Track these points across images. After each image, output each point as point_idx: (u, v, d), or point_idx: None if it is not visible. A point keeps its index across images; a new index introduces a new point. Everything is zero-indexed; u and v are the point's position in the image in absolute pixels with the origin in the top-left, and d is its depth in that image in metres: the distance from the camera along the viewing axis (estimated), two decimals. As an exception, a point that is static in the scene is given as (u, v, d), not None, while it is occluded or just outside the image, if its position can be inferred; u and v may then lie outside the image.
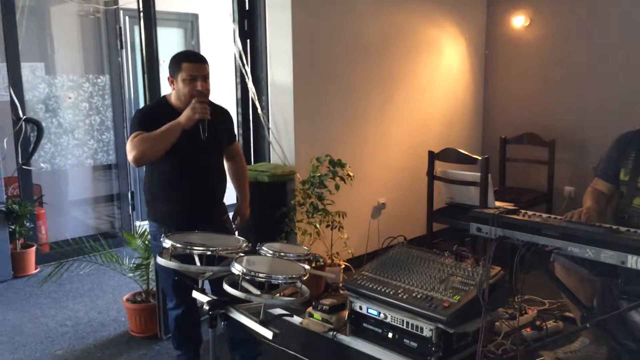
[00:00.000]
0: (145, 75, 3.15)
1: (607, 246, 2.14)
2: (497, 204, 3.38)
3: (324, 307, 2.95)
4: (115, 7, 4.97)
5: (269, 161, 3.85)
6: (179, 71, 2.50)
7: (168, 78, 2.56)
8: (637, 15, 4.32)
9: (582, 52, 4.61)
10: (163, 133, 2.46)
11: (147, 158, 2.45)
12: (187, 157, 2.56)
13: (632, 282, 2.24)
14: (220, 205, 2.77)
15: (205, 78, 2.52)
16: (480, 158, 3.74)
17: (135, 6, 3.05)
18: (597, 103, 4.57)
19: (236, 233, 2.88)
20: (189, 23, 5.86)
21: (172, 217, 2.61)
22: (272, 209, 3.51)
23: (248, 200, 2.94)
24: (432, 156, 3.99)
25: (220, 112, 2.72)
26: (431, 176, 3.99)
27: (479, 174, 3.68)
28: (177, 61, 2.52)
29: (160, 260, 2.09)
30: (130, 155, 2.47)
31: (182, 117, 2.47)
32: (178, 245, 2.07)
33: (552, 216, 2.52)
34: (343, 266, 3.51)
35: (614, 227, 2.30)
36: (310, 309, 2.99)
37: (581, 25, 4.60)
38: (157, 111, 2.60)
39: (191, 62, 2.50)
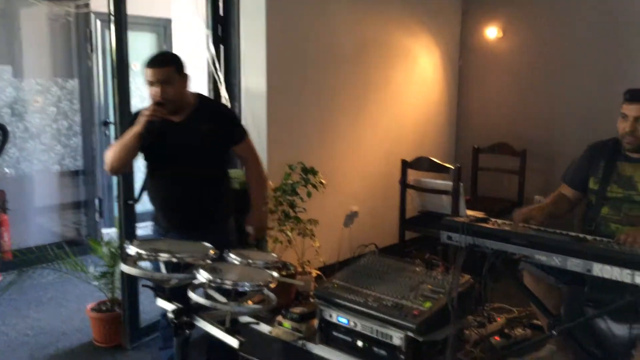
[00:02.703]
0: (115, 80, 3.13)
1: (574, 254, 2.21)
2: (468, 212, 3.39)
3: (294, 315, 2.95)
4: (86, 10, 4.96)
5: (242, 168, 3.84)
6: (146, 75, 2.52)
7: None
8: (606, 28, 4.50)
9: (553, 64, 4.82)
10: (123, 140, 2.43)
11: (115, 168, 2.44)
12: (168, 163, 2.51)
13: (597, 289, 2.30)
14: (211, 213, 2.65)
15: (163, 83, 2.43)
16: (452, 167, 3.81)
17: (106, 10, 3.04)
18: (567, 114, 4.74)
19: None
20: (162, 28, 5.76)
21: (160, 219, 2.61)
22: (243, 215, 3.50)
23: (262, 208, 2.80)
24: (405, 165, 4.06)
25: (213, 112, 2.62)
26: (404, 185, 4.05)
27: (451, 182, 3.76)
28: (144, 65, 2.53)
29: (124, 267, 2.06)
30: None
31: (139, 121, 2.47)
32: (143, 252, 2.06)
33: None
34: (314, 275, 3.53)
35: (581, 235, 2.37)
36: (280, 318, 2.99)
37: (552, 38, 4.78)
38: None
39: (148, 66, 2.47)
